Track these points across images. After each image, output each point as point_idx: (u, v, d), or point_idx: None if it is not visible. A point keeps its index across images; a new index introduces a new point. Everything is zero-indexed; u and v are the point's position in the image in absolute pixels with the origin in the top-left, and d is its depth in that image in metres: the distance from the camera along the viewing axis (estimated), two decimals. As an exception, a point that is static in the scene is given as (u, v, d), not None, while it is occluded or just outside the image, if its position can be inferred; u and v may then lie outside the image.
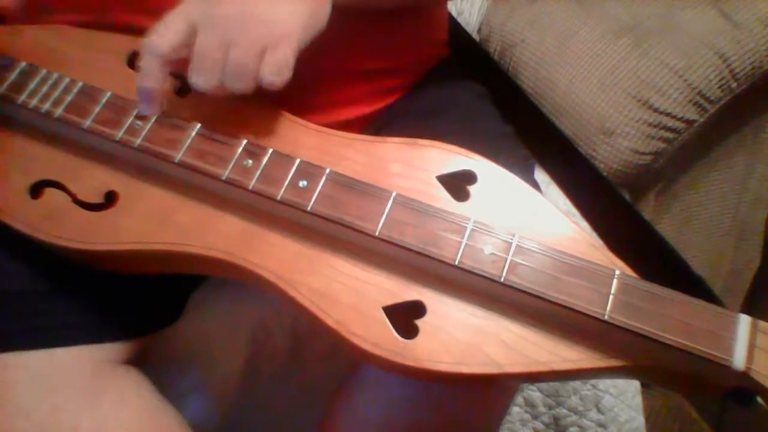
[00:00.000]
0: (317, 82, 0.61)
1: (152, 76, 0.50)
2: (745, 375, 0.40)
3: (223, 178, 0.49)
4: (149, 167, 0.53)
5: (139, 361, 0.58)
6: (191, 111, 0.53)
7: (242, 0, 0.50)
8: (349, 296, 0.47)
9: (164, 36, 0.50)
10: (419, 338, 0.45)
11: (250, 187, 0.49)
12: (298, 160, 0.49)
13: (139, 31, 0.58)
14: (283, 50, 0.49)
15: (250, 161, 0.50)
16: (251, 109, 0.54)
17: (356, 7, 0.57)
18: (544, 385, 0.81)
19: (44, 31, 0.60)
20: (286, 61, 0.50)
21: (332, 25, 0.54)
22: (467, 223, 0.46)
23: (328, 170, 0.49)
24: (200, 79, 0.50)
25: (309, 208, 0.47)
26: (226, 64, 0.49)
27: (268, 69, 0.49)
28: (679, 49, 0.90)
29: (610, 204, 0.78)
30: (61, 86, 0.54)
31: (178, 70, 0.56)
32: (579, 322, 0.44)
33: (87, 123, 0.52)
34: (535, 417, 0.82)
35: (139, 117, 0.52)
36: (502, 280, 0.44)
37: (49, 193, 0.53)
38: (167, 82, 0.52)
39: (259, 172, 0.49)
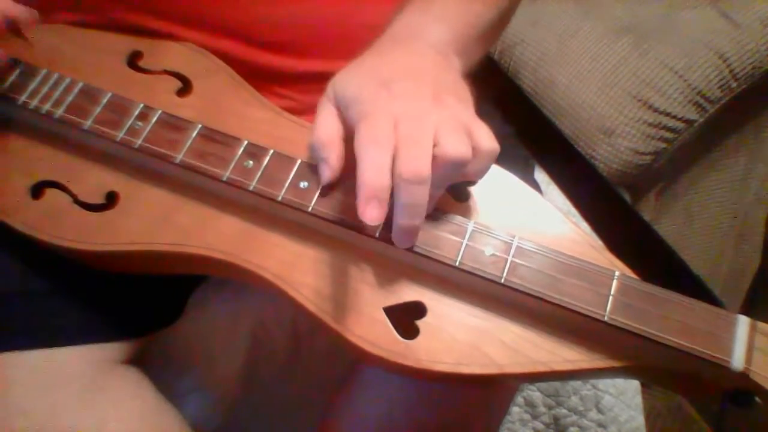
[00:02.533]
0: (317, 82, 0.61)
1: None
2: (743, 376, 0.40)
3: (224, 178, 0.49)
4: (150, 168, 0.53)
5: (139, 361, 0.59)
6: (192, 111, 0.53)
7: (435, 82, 0.46)
8: (349, 296, 0.47)
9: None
10: (419, 338, 0.45)
11: (251, 188, 0.49)
12: (299, 161, 0.49)
13: (140, 31, 0.59)
14: (487, 130, 0.45)
15: (251, 162, 0.50)
16: (252, 110, 0.54)
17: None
18: (544, 385, 0.81)
19: (44, 31, 0.60)
20: (496, 143, 0.44)
21: (335, 25, 0.54)
22: (468, 224, 0.46)
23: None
24: (413, 198, 0.41)
25: (310, 209, 0.48)
26: (476, 147, 0.43)
27: (484, 154, 0.44)
28: (679, 49, 0.90)
29: (610, 204, 0.78)
30: (62, 86, 0.54)
31: (176, 69, 0.57)
32: (579, 322, 0.44)
33: (88, 124, 0.52)
34: (535, 417, 0.82)
35: (139, 118, 0.52)
36: (502, 281, 0.44)
37: (50, 193, 0.53)
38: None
39: (259, 172, 0.49)
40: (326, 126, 0.46)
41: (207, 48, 0.58)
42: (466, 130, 0.43)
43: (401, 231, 0.43)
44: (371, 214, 0.40)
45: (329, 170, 0.46)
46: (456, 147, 0.41)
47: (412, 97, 0.44)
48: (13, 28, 0.57)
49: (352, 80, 0.46)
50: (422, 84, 0.45)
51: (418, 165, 0.40)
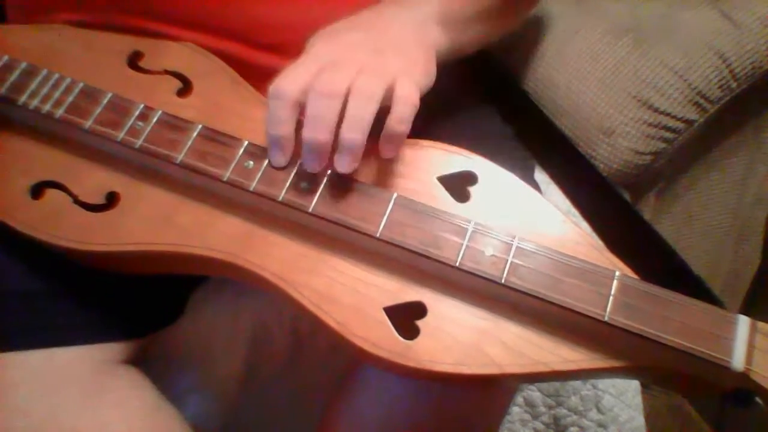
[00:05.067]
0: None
1: (283, 123, 0.47)
2: (744, 376, 0.40)
3: (225, 179, 0.49)
4: (150, 168, 0.53)
5: (139, 361, 0.59)
6: (192, 112, 0.53)
7: (366, 44, 0.49)
8: (350, 297, 0.47)
9: (290, 78, 0.47)
10: (420, 339, 0.45)
11: (251, 188, 0.49)
12: (299, 162, 0.49)
13: (141, 32, 0.59)
14: (410, 83, 0.47)
15: (252, 162, 0.50)
16: (253, 110, 0.54)
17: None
18: (544, 385, 0.81)
19: (44, 31, 0.60)
20: (414, 95, 0.47)
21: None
22: (468, 225, 0.46)
23: (329, 172, 0.49)
24: (318, 109, 0.45)
25: (310, 210, 0.48)
26: (351, 89, 0.46)
27: (398, 99, 0.46)
28: (679, 49, 0.90)
29: (610, 204, 0.78)
30: (62, 87, 0.54)
31: (177, 69, 0.57)
32: (579, 322, 0.44)
33: (88, 124, 0.52)
34: (535, 417, 0.82)
35: (140, 118, 0.52)
36: (502, 281, 0.44)
37: (50, 193, 0.53)
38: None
39: (260, 173, 0.49)
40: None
41: (207, 49, 0.58)
42: (387, 77, 0.46)
43: (306, 146, 0.47)
44: (273, 158, 0.49)
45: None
46: (366, 83, 0.45)
47: (350, 46, 0.48)
48: None
49: (317, 33, 0.50)
50: (372, 35, 0.49)
51: (328, 82, 0.45)
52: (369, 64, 0.47)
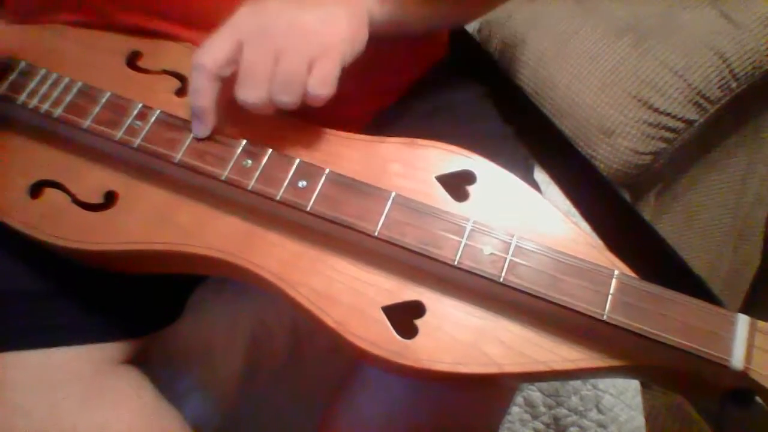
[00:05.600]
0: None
1: (202, 94, 0.49)
2: (743, 375, 0.40)
3: (223, 178, 0.49)
4: (149, 167, 0.53)
5: (139, 361, 0.59)
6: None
7: (289, 11, 0.50)
8: (348, 296, 0.47)
9: (211, 51, 0.49)
10: (419, 338, 0.45)
11: (250, 188, 0.49)
12: (297, 160, 0.49)
13: (140, 32, 0.59)
14: (330, 62, 0.49)
15: (250, 161, 0.50)
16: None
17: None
18: (544, 385, 0.81)
19: (44, 31, 0.60)
20: (333, 73, 0.49)
21: None
22: (467, 224, 0.46)
23: (327, 170, 0.49)
24: (249, 93, 0.48)
25: (308, 209, 0.48)
26: (274, 75, 0.48)
27: (315, 80, 0.48)
28: (679, 49, 0.90)
29: (610, 204, 0.78)
30: (61, 86, 0.54)
31: (175, 69, 0.57)
32: (578, 322, 0.44)
33: (86, 123, 0.52)
34: (535, 417, 0.82)
35: (138, 117, 0.52)
36: (501, 280, 0.44)
37: (49, 193, 0.53)
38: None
39: (258, 172, 0.49)
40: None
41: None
42: (275, 52, 0.48)
43: (192, 114, 0.50)
44: (195, 129, 0.51)
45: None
46: (285, 70, 0.48)
47: (271, 17, 0.49)
48: None
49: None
50: (285, 7, 0.50)
51: (250, 65, 0.48)
52: (289, 44, 0.48)
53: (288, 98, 0.48)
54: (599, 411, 0.81)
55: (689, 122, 0.90)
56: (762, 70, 0.91)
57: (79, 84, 0.54)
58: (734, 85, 0.91)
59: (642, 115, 0.89)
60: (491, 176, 0.50)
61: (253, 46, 0.48)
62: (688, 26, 0.92)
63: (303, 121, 0.54)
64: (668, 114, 0.89)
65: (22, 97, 0.54)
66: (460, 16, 0.69)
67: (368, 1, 0.53)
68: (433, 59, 0.72)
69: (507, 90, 0.88)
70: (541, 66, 0.97)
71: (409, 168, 0.51)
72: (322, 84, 0.48)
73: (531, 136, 0.82)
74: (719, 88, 0.90)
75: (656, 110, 0.89)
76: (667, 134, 0.90)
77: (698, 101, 0.90)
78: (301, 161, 0.49)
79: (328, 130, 0.54)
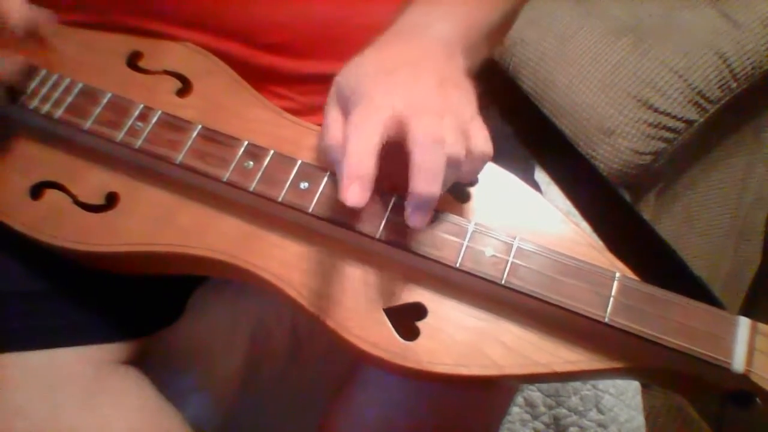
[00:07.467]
0: (317, 83, 0.61)
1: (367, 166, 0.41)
2: (744, 377, 0.40)
3: (224, 179, 0.49)
4: (150, 168, 0.52)
5: (139, 361, 0.59)
6: (192, 112, 0.53)
7: (438, 73, 0.45)
8: (349, 297, 0.47)
9: (367, 130, 0.41)
10: (420, 340, 0.45)
11: (251, 189, 0.49)
12: (299, 162, 0.49)
13: (141, 32, 0.59)
14: (483, 132, 0.44)
15: (251, 163, 0.50)
16: (252, 111, 0.54)
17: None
18: (544, 386, 0.81)
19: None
20: (490, 147, 0.44)
21: (334, 27, 0.54)
22: (468, 225, 0.46)
23: (329, 172, 0.49)
24: (429, 161, 0.41)
25: (310, 210, 0.47)
26: (469, 149, 0.42)
27: (483, 140, 0.44)
28: (679, 49, 0.90)
29: (610, 204, 0.78)
30: (62, 87, 0.54)
31: (176, 69, 0.57)
32: (579, 323, 0.44)
33: (87, 124, 0.52)
34: (535, 417, 0.82)
35: (139, 118, 0.52)
36: (503, 282, 0.44)
37: (50, 194, 0.53)
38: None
39: (260, 173, 0.49)
40: (334, 128, 0.45)
41: (207, 49, 0.57)
42: (463, 130, 0.43)
43: (415, 199, 0.42)
44: (352, 195, 0.40)
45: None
46: (450, 147, 0.41)
47: (413, 83, 0.44)
48: (31, 31, 0.56)
49: (353, 74, 0.46)
50: (424, 72, 0.45)
51: (433, 129, 0.40)
52: (445, 109, 0.43)
53: (480, 170, 0.45)
54: (599, 411, 0.81)
55: (689, 122, 0.90)
56: (762, 70, 0.91)
57: (80, 85, 0.54)
58: (734, 85, 0.91)
59: (642, 115, 0.89)
60: (492, 177, 0.50)
61: (424, 122, 0.41)
62: (688, 26, 0.92)
63: (304, 121, 0.54)
64: (668, 114, 0.89)
65: (23, 98, 0.54)
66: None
67: (460, 58, 0.50)
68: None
69: (507, 90, 0.88)
70: (541, 66, 0.97)
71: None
72: (488, 140, 0.45)
73: (531, 136, 0.81)
74: (719, 88, 0.90)
75: (656, 110, 0.89)
76: (667, 134, 0.90)
77: (698, 101, 0.90)
78: (302, 163, 0.49)
79: None
